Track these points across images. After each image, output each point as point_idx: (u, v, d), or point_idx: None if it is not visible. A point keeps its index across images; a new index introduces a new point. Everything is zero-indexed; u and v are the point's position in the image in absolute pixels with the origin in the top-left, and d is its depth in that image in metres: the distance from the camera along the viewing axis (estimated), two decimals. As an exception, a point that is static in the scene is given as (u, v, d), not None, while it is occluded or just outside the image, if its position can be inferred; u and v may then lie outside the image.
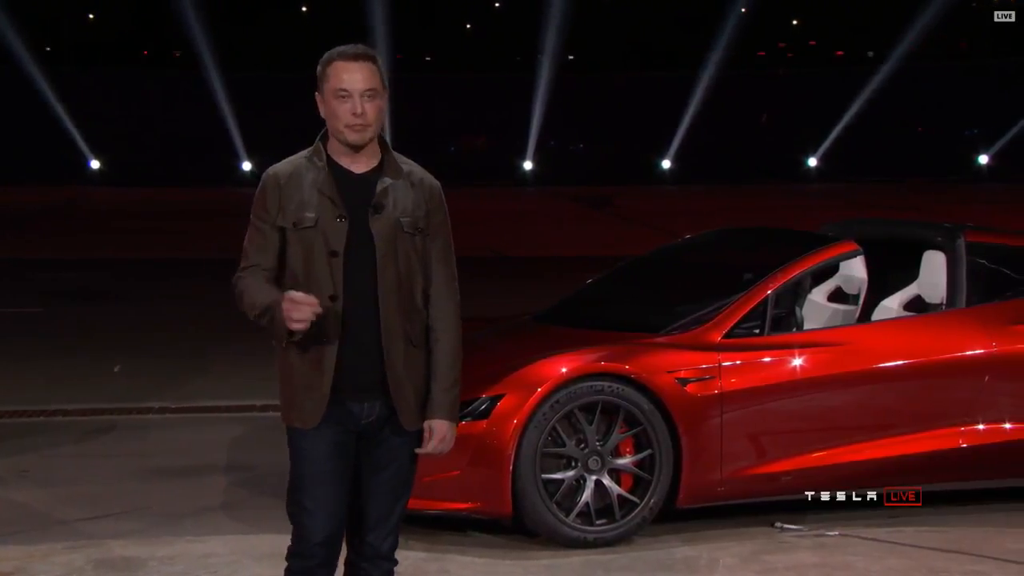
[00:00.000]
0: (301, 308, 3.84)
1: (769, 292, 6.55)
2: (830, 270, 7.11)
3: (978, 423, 6.63)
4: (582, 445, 6.12)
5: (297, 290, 3.96)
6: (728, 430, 6.23)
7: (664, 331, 6.54)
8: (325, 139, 4.08)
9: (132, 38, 47.37)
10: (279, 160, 4.13)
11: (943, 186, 35.57)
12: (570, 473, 6.11)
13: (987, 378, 6.64)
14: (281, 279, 4.04)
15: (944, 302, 6.89)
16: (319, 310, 3.86)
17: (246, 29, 47.79)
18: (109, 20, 48.78)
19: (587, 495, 6.10)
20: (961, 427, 6.60)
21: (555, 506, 6.05)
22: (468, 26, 54.03)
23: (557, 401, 6.05)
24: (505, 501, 6.00)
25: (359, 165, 4.06)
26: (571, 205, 31.51)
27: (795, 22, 52.99)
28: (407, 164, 4.12)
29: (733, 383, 6.27)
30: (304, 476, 4.03)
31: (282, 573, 4.16)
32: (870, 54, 44.52)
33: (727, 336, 6.41)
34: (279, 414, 4.14)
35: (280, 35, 47.38)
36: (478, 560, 5.93)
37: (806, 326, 6.79)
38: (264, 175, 4.09)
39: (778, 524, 6.40)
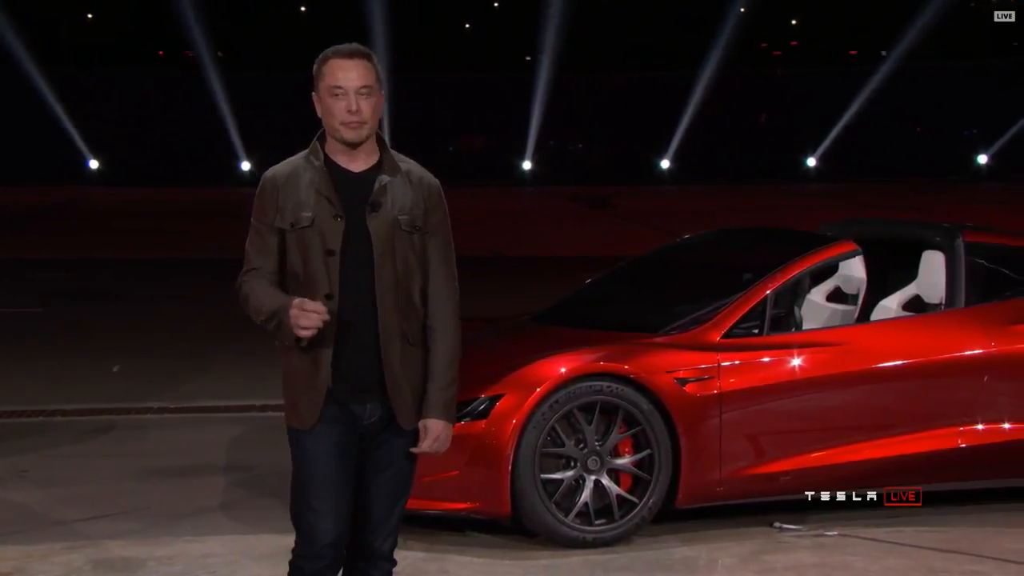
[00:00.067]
0: (309, 316, 3.85)
1: (768, 292, 6.55)
2: (829, 270, 7.11)
3: (977, 423, 6.63)
4: (581, 445, 6.12)
5: (296, 289, 3.98)
6: (727, 430, 6.23)
7: (663, 331, 6.54)
8: (322, 139, 4.09)
9: (131, 38, 47.31)
10: (278, 160, 4.14)
11: (942, 186, 35.55)
12: (569, 473, 6.12)
13: (986, 378, 6.64)
14: (284, 280, 4.05)
15: (943, 302, 6.89)
16: (327, 317, 3.87)
17: (245, 29, 47.77)
18: (108, 20, 48.74)
19: (586, 495, 6.10)
20: (960, 427, 6.60)
21: (554, 506, 6.05)
22: (467, 26, 54.01)
23: (556, 401, 6.05)
24: (504, 501, 6.00)
25: (357, 164, 4.06)
26: (570, 205, 31.51)
27: (794, 22, 52.97)
28: (406, 163, 4.12)
29: (732, 383, 6.27)
30: (311, 476, 4.02)
31: (282, 574, 4.16)
32: (869, 54, 44.48)
33: (726, 336, 6.42)
34: (278, 414, 4.15)
35: (279, 35, 47.35)
36: (477, 560, 5.93)
37: (805, 326, 6.80)
38: (263, 177, 4.10)
39: (777, 524, 6.40)
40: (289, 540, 4.14)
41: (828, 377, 6.46)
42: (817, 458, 6.42)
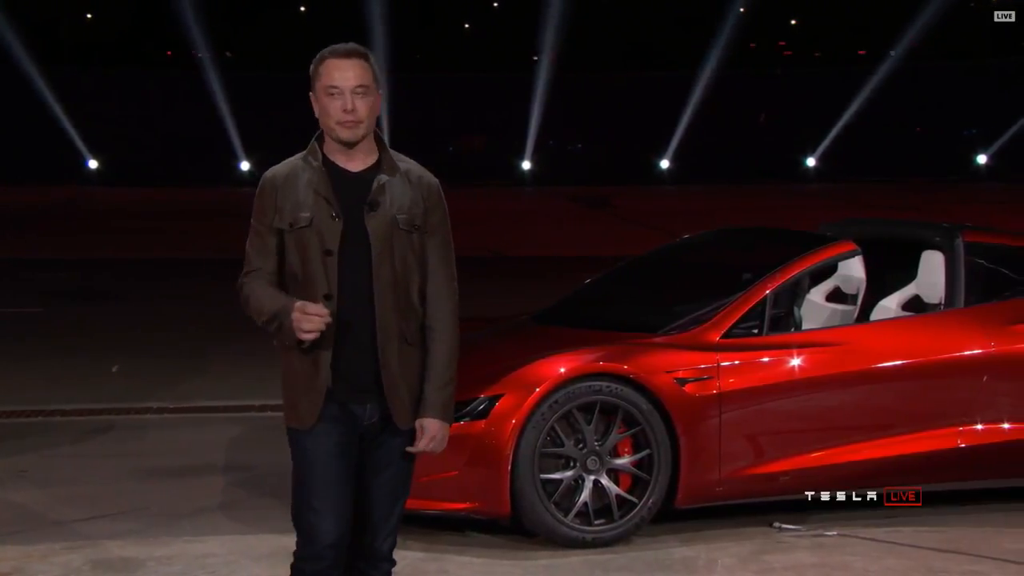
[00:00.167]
0: (312, 319, 3.86)
1: (767, 292, 6.55)
2: (828, 270, 7.11)
3: (976, 423, 6.63)
4: (580, 445, 6.12)
5: (295, 290, 3.98)
6: (726, 430, 6.23)
7: (662, 331, 6.54)
8: (321, 139, 4.09)
9: (131, 38, 47.31)
10: (278, 160, 4.14)
11: (942, 186, 35.55)
12: (568, 473, 6.11)
13: (985, 378, 6.64)
14: (284, 280, 4.05)
15: (942, 302, 6.89)
16: (329, 320, 3.88)
17: (245, 29, 47.77)
18: (108, 20, 48.73)
19: (585, 495, 6.10)
20: (959, 427, 6.60)
21: (553, 506, 6.05)
22: (467, 26, 54.01)
23: (556, 401, 6.05)
24: (503, 501, 6.00)
25: (355, 163, 4.06)
26: (570, 205, 31.50)
27: (793, 22, 52.96)
28: (405, 162, 4.12)
29: (731, 383, 6.27)
30: (311, 477, 4.02)
31: (281, 574, 4.15)
32: (869, 54, 44.48)
33: (725, 336, 6.42)
34: (278, 414, 4.15)
35: (278, 35, 47.34)
36: (476, 560, 5.93)
37: (804, 326, 6.80)
38: (262, 178, 4.10)
39: (776, 524, 6.40)
40: (288, 540, 4.14)
41: (828, 377, 6.46)
42: (816, 458, 6.42)
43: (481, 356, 6.38)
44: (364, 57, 4.03)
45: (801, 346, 6.50)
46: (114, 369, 10.58)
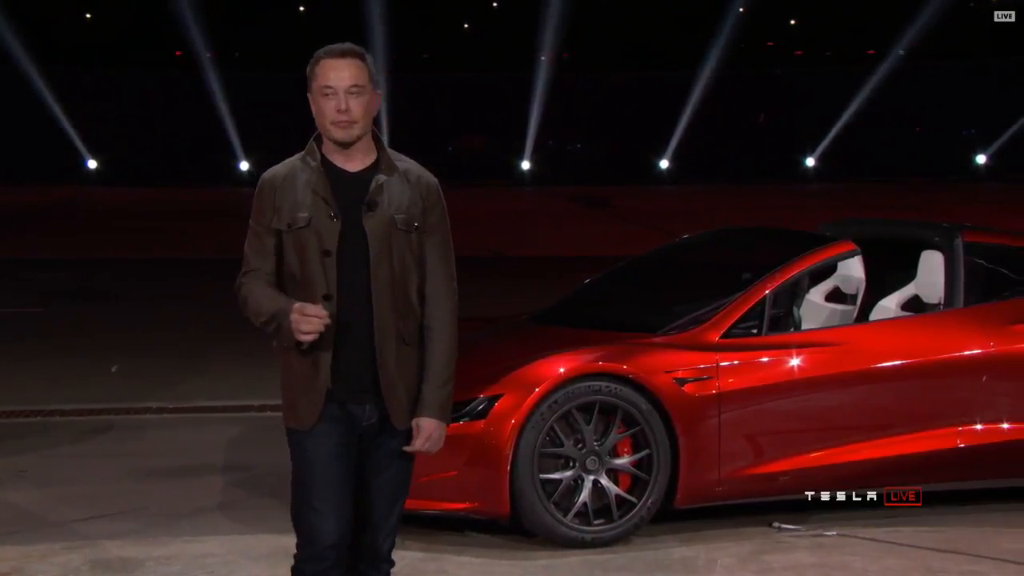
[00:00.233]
0: (311, 320, 3.86)
1: (767, 292, 6.55)
2: (828, 270, 7.11)
3: (976, 423, 6.63)
4: (580, 445, 6.12)
5: (294, 290, 3.98)
6: (726, 430, 6.23)
7: (662, 331, 6.54)
8: (319, 139, 4.09)
9: (130, 38, 47.29)
10: (277, 160, 4.15)
11: (942, 186, 35.55)
12: (568, 473, 6.11)
13: (985, 378, 6.64)
14: (282, 281, 4.05)
15: (942, 302, 6.89)
16: (328, 321, 3.87)
17: (244, 29, 47.75)
18: (107, 20, 48.71)
19: (585, 495, 6.10)
20: (959, 427, 6.60)
21: (553, 506, 6.05)
22: (466, 26, 53.99)
23: (555, 401, 6.05)
24: (503, 501, 6.00)
25: (353, 164, 4.06)
26: (569, 205, 31.51)
27: (793, 22, 52.95)
28: (403, 162, 4.12)
29: (731, 383, 6.27)
30: (311, 478, 4.01)
31: (280, 573, 4.15)
32: (868, 54, 44.47)
33: (725, 336, 6.42)
34: (277, 414, 4.14)
35: (278, 35, 47.32)
36: (475, 560, 5.93)
37: (804, 326, 6.80)
38: (260, 178, 4.11)
39: (776, 524, 6.40)
40: (287, 540, 4.14)
41: (827, 377, 6.46)
42: (816, 458, 6.42)
43: (480, 356, 6.38)
44: (359, 57, 4.03)
45: (800, 346, 6.50)
46: (113, 369, 10.58)
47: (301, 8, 52.82)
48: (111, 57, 44.16)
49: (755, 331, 6.49)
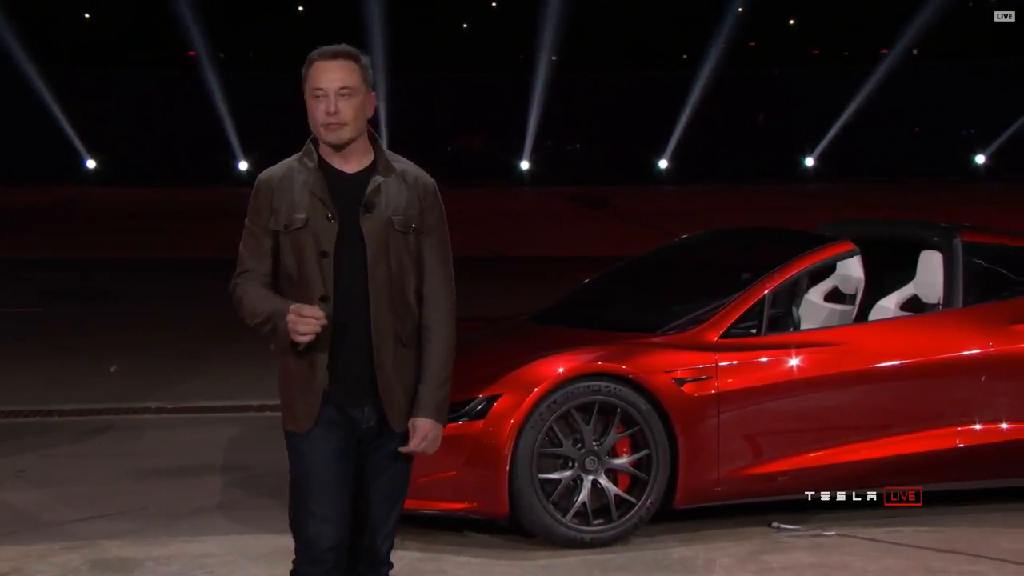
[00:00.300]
0: (308, 322, 3.85)
1: (766, 292, 6.55)
2: (827, 270, 7.11)
3: (975, 423, 6.63)
4: (579, 445, 6.12)
5: (290, 291, 3.98)
6: (725, 430, 6.23)
7: (661, 331, 6.54)
8: (316, 140, 4.08)
9: (129, 38, 47.28)
10: (276, 160, 4.14)
11: (941, 186, 35.56)
12: (567, 473, 6.11)
13: (984, 378, 6.64)
14: (277, 282, 4.04)
15: (941, 302, 6.89)
16: (324, 322, 3.87)
17: (243, 29, 47.76)
18: (106, 20, 48.71)
19: (584, 495, 6.10)
20: (958, 427, 6.60)
21: (552, 506, 6.05)
22: (465, 26, 53.98)
23: (554, 401, 6.05)
24: (502, 501, 6.00)
25: (350, 165, 4.06)
26: (569, 205, 31.51)
27: (792, 22, 52.96)
28: (401, 163, 4.11)
29: (730, 383, 6.27)
30: (310, 481, 4.00)
31: (279, 573, 4.15)
32: (868, 54, 44.47)
33: (724, 336, 6.42)
34: (276, 414, 4.14)
35: (277, 35, 47.32)
36: (474, 560, 5.93)
37: (803, 326, 6.80)
38: (257, 179, 4.10)
39: (775, 524, 6.40)
40: (286, 540, 4.13)
41: (826, 377, 6.46)
42: (815, 458, 6.42)
43: (480, 356, 6.38)
44: (352, 58, 4.01)
45: (799, 346, 6.50)
46: (112, 369, 10.58)
47: (300, 8, 52.82)
48: (111, 57, 44.18)
49: (754, 331, 6.49)
